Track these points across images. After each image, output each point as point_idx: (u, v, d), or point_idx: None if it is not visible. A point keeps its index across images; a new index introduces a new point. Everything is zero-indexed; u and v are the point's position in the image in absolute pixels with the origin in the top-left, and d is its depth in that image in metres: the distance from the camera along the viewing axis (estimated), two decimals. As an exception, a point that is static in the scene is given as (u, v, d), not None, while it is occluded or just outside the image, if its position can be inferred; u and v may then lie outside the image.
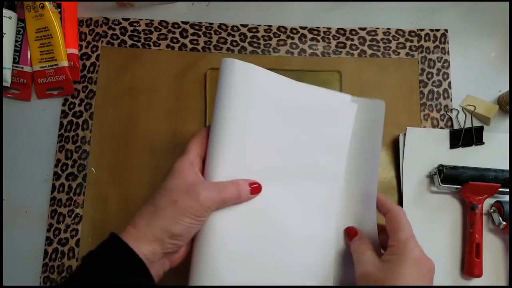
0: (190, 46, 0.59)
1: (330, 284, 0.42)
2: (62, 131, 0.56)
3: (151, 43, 0.59)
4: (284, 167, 0.42)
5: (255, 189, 0.40)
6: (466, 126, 0.54)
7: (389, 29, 0.59)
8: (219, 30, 0.59)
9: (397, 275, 0.35)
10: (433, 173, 0.52)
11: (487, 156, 0.53)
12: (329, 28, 0.59)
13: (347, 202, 0.44)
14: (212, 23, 0.59)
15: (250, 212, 0.40)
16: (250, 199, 0.40)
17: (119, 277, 0.33)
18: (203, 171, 0.40)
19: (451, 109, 0.56)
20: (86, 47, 0.59)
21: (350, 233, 0.42)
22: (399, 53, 0.58)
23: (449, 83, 0.57)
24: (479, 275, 0.49)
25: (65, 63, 0.56)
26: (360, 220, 0.43)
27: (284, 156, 0.42)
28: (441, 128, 0.56)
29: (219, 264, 0.38)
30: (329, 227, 0.43)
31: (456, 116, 0.56)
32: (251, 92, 0.41)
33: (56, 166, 0.55)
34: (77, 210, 0.53)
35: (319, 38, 0.59)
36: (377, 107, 0.44)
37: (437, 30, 0.59)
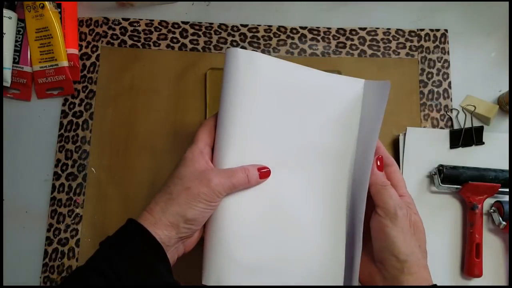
0: (190, 46, 0.59)
1: (339, 264, 0.42)
2: (62, 131, 0.56)
3: (151, 43, 0.59)
4: (292, 151, 0.43)
5: (264, 173, 0.41)
6: (466, 126, 0.54)
7: (389, 29, 0.59)
8: (219, 30, 0.59)
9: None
10: (433, 173, 0.52)
11: (487, 156, 0.53)
12: (329, 28, 0.59)
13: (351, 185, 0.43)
14: (212, 23, 0.59)
15: (260, 196, 0.41)
16: (259, 183, 0.41)
17: (141, 260, 0.35)
18: (212, 159, 0.41)
19: (451, 109, 0.56)
20: (86, 47, 0.59)
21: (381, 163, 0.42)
22: (399, 53, 0.58)
23: (449, 83, 0.57)
24: (479, 275, 0.49)
25: (65, 63, 0.56)
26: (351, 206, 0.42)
27: (292, 141, 0.43)
28: (441, 128, 0.56)
29: (231, 244, 0.40)
30: (338, 209, 0.43)
31: (456, 116, 0.56)
32: (256, 79, 0.41)
33: (56, 166, 0.55)
34: (77, 210, 0.53)
35: (319, 38, 0.59)
36: (383, 89, 0.42)
37: (437, 30, 0.59)
